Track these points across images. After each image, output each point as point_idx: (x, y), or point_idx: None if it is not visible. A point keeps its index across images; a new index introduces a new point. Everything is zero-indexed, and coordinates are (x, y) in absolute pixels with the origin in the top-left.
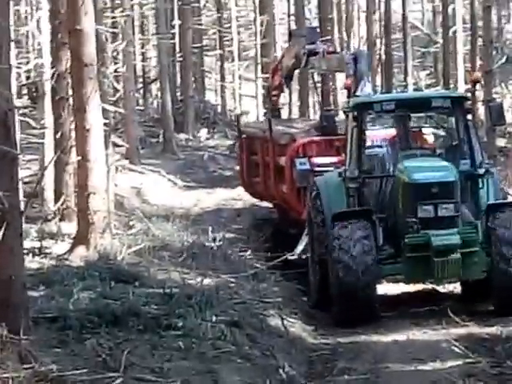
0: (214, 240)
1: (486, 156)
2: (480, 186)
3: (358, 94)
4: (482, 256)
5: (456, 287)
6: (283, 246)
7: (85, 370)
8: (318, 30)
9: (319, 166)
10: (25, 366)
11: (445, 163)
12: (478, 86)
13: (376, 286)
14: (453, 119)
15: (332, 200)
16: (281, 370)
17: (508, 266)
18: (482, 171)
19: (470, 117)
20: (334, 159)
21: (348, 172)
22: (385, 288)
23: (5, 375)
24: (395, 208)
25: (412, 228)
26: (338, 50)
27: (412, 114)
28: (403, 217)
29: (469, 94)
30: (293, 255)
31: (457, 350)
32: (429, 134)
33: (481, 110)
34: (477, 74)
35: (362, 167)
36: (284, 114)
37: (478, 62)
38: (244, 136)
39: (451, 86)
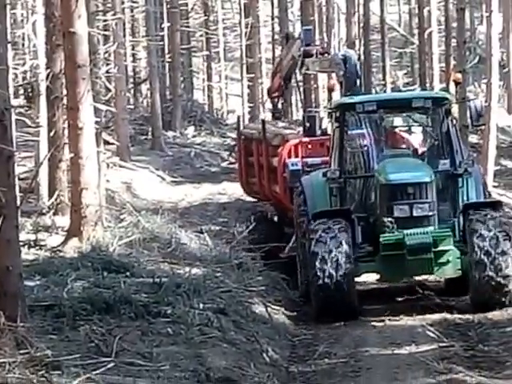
0: (201, 232)
1: (468, 155)
2: (460, 185)
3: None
4: (456, 255)
5: (440, 281)
6: (269, 237)
7: (78, 355)
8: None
9: (310, 166)
10: (21, 351)
11: (421, 164)
12: (458, 87)
13: (354, 283)
14: (434, 119)
15: (316, 199)
16: (264, 354)
17: (483, 264)
18: (461, 171)
19: (451, 117)
20: (325, 159)
21: (330, 172)
22: (370, 277)
23: (2, 360)
24: (373, 207)
25: (388, 227)
26: (332, 51)
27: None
28: (380, 216)
29: (449, 95)
30: (284, 253)
31: (431, 334)
32: (417, 133)
33: (454, 108)
34: (457, 75)
35: (345, 167)
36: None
37: (452, 62)
38: (242, 137)
39: (427, 84)
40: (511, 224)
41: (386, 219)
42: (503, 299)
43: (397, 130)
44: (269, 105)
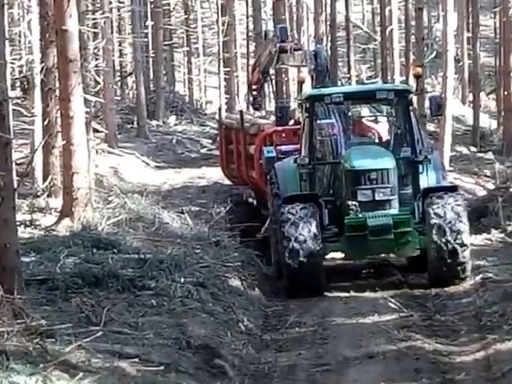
0: (182, 212)
1: (428, 143)
2: (420, 171)
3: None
4: (415, 235)
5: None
6: (246, 218)
7: (70, 325)
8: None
9: (284, 153)
10: (18, 321)
11: (384, 151)
12: (419, 80)
13: (321, 261)
14: (396, 110)
15: (287, 184)
16: (240, 324)
17: (442, 243)
18: (421, 158)
19: (412, 108)
20: (298, 146)
21: (300, 159)
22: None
23: (0, 329)
24: (339, 192)
25: (352, 210)
26: (305, 47)
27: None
28: (345, 200)
29: (411, 87)
30: (260, 234)
31: (392, 305)
32: (382, 122)
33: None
34: (417, 69)
35: (314, 154)
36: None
37: (412, 57)
38: (223, 127)
39: (389, 77)
40: (466, 206)
41: (350, 203)
42: (459, 275)
43: (364, 119)
44: (243, 96)
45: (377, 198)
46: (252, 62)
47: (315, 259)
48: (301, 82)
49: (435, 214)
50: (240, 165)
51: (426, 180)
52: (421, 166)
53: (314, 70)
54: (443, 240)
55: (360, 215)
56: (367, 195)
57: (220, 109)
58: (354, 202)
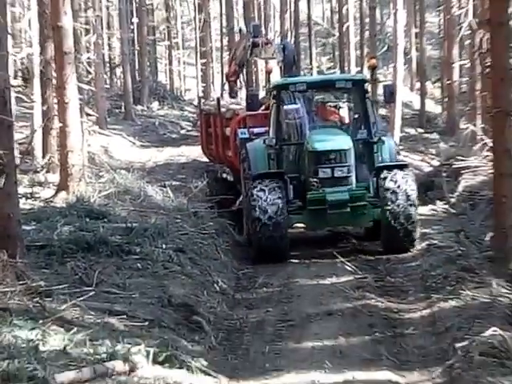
0: (164, 186)
1: (383, 127)
2: (375, 150)
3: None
4: (370, 209)
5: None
6: (222, 191)
7: (66, 285)
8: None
9: (256, 134)
10: (20, 282)
11: (342, 134)
12: (374, 71)
13: (287, 232)
14: (354, 97)
15: (257, 162)
16: (215, 285)
17: (395, 214)
18: (375, 139)
19: (367, 95)
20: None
21: (268, 140)
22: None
23: (4, 289)
24: (303, 170)
25: (314, 186)
26: (275, 42)
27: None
28: (308, 177)
29: (367, 77)
30: (234, 207)
31: (349, 268)
32: (344, 107)
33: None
34: (372, 61)
35: (280, 136)
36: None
37: (366, 50)
38: (203, 112)
39: (346, 68)
40: (415, 181)
41: (312, 180)
42: (409, 242)
43: (327, 104)
44: (217, 84)
45: (336, 176)
46: (225, 54)
47: (281, 229)
48: (269, 73)
49: (388, 187)
50: (217, 145)
51: (381, 158)
52: (375, 146)
53: (282, 62)
54: (395, 210)
55: (320, 191)
56: (327, 173)
57: (200, 97)
58: (315, 179)
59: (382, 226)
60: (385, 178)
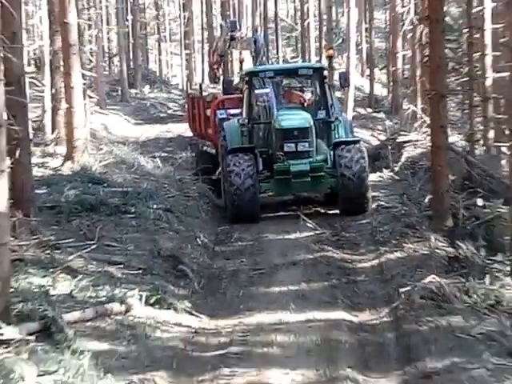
0: (154, 157)
1: (340, 108)
2: (332, 128)
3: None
4: (327, 178)
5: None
6: (204, 161)
7: (72, 240)
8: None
9: (232, 115)
10: (33, 237)
11: (304, 114)
12: (335, 63)
13: (258, 197)
14: (315, 82)
15: (232, 139)
16: (198, 239)
17: (350, 180)
18: (333, 118)
19: (326, 81)
20: None
21: (241, 120)
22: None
23: (20, 243)
24: (271, 145)
25: (279, 159)
26: (249, 35)
27: (286, 79)
28: (275, 151)
29: (325, 65)
30: (215, 176)
31: (310, 226)
32: (308, 91)
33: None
34: (330, 52)
35: (252, 116)
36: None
37: (324, 43)
38: (190, 96)
39: (307, 57)
40: (366, 152)
41: (278, 153)
42: (364, 205)
43: (293, 89)
44: (199, 71)
45: (299, 150)
46: (206, 46)
47: (252, 195)
48: (241, 62)
49: (344, 158)
50: (200, 124)
51: (338, 135)
52: (333, 125)
53: (254, 53)
54: (350, 177)
55: (285, 163)
56: (291, 147)
57: (188, 82)
58: (281, 153)
59: (340, 191)
60: (341, 151)
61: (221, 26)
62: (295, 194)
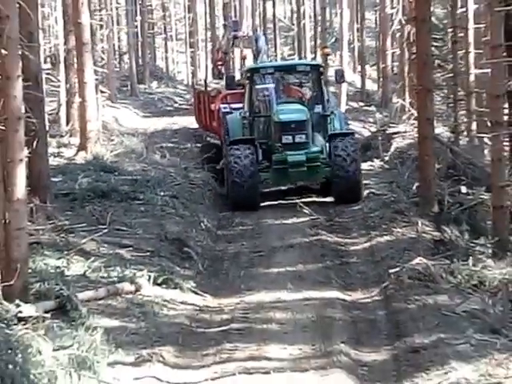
0: (161, 147)
1: (335, 103)
2: (328, 122)
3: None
4: (323, 168)
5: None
6: (209, 151)
7: (85, 224)
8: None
9: (235, 109)
10: (49, 222)
11: (302, 108)
12: (329, 60)
13: (257, 186)
14: (311, 79)
15: (234, 131)
16: (202, 224)
17: (344, 170)
18: (328, 113)
19: (322, 77)
20: None
21: (243, 113)
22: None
23: (37, 227)
24: (270, 136)
25: (278, 149)
26: (250, 34)
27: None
28: (274, 142)
29: (321, 63)
30: (219, 166)
31: (306, 212)
32: (306, 86)
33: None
34: (327, 50)
35: (253, 110)
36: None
37: (318, 42)
38: (196, 91)
39: (303, 55)
40: (359, 144)
41: (277, 144)
42: (357, 194)
43: (292, 84)
44: (203, 68)
45: (296, 141)
46: (209, 45)
47: (252, 183)
48: (243, 59)
49: (338, 149)
50: (205, 117)
51: (333, 128)
52: (329, 118)
53: (255, 50)
54: (346, 167)
55: (283, 154)
56: (289, 139)
57: (194, 81)
58: (279, 144)
59: (334, 180)
60: (335, 142)
61: (224, 25)
62: (292, 182)
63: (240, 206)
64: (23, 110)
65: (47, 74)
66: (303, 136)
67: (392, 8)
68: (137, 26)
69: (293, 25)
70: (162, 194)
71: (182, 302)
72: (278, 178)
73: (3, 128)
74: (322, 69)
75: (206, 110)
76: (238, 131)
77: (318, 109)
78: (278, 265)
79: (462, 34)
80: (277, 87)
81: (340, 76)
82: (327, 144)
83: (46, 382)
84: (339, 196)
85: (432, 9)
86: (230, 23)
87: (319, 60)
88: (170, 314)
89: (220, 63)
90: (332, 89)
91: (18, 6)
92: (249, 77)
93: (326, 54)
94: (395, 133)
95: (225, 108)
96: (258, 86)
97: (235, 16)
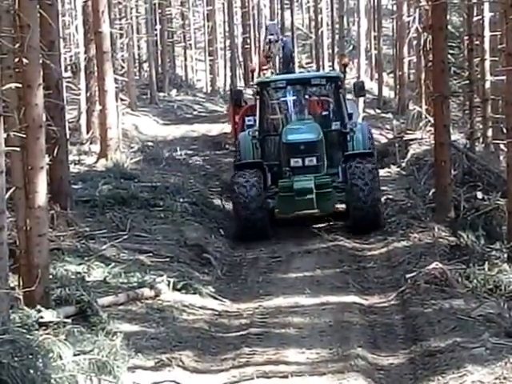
0: (180, 155)
1: (357, 116)
2: (348, 139)
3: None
4: (334, 195)
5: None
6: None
7: (105, 231)
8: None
9: None
10: (70, 228)
11: (313, 127)
12: (347, 69)
13: (265, 214)
14: (329, 92)
15: (245, 151)
16: (220, 230)
17: (358, 204)
18: (347, 130)
19: (341, 91)
20: None
21: (252, 131)
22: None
23: (58, 234)
24: (279, 159)
25: (286, 174)
26: (284, 39)
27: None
28: (282, 166)
29: (341, 74)
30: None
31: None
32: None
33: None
34: (346, 60)
35: (264, 128)
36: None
37: (336, 50)
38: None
39: (320, 63)
40: (377, 167)
41: (285, 168)
42: (376, 223)
43: (310, 98)
44: (221, 75)
45: (306, 164)
46: (228, 53)
47: (258, 212)
48: (252, 71)
49: (355, 176)
50: (235, 127)
51: (353, 146)
52: (348, 136)
53: (281, 58)
54: (362, 196)
55: (290, 180)
56: (298, 162)
57: (231, 90)
58: (288, 168)
59: (352, 208)
60: (351, 166)
61: (266, 27)
62: (299, 212)
63: (247, 235)
64: (44, 118)
65: (68, 82)
66: (314, 159)
67: (409, 16)
68: (156, 35)
69: (311, 33)
70: (182, 200)
71: (201, 307)
72: (284, 207)
73: (24, 136)
74: (340, 81)
75: (235, 121)
76: (248, 152)
77: (337, 125)
78: (296, 270)
79: (477, 42)
80: (289, 102)
81: (359, 88)
82: (343, 165)
83: None
84: (356, 226)
85: (448, 17)
86: (268, 25)
87: (337, 69)
88: (189, 319)
89: (265, 67)
90: (349, 96)
91: (38, 15)
92: (259, 91)
93: (345, 64)
94: (412, 139)
95: (249, 121)
96: (268, 102)
97: (253, 25)
